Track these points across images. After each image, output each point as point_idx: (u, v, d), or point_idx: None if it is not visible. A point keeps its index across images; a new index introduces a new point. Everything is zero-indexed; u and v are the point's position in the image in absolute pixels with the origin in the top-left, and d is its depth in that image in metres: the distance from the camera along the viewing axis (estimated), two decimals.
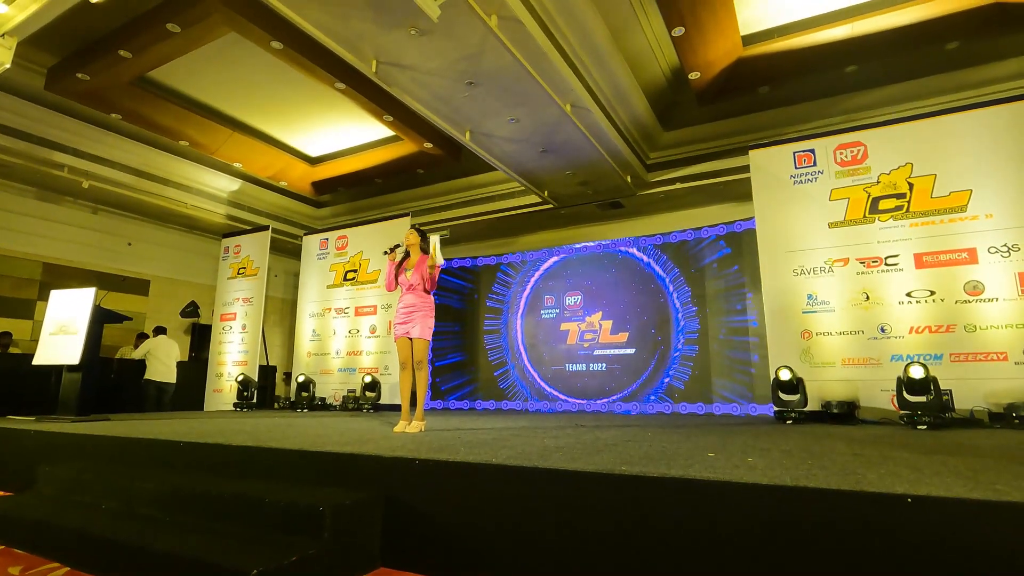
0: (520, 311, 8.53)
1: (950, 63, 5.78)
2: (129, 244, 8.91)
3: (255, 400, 7.78)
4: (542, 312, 8.30)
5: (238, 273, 8.87)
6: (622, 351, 7.57)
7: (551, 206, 8.43)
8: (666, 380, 7.27)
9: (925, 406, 4.22)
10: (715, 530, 1.61)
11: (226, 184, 9.07)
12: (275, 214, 9.87)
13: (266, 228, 8.91)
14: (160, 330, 7.75)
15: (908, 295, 4.95)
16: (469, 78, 5.34)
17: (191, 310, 9.15)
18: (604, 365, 7.63)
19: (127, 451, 3.24)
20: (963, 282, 4.78)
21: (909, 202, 5.06)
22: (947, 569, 1.35)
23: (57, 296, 5.39)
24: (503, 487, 2.01)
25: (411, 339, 4.04)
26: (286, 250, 10.51)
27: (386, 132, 7.82)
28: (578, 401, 7.71)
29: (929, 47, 5.67)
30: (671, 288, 7.54)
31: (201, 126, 7.49)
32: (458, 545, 2.01)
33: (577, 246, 8.43)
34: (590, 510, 1.82)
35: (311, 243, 9.03)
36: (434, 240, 4.03)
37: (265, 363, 8.98)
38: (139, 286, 8.96)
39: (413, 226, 4.29)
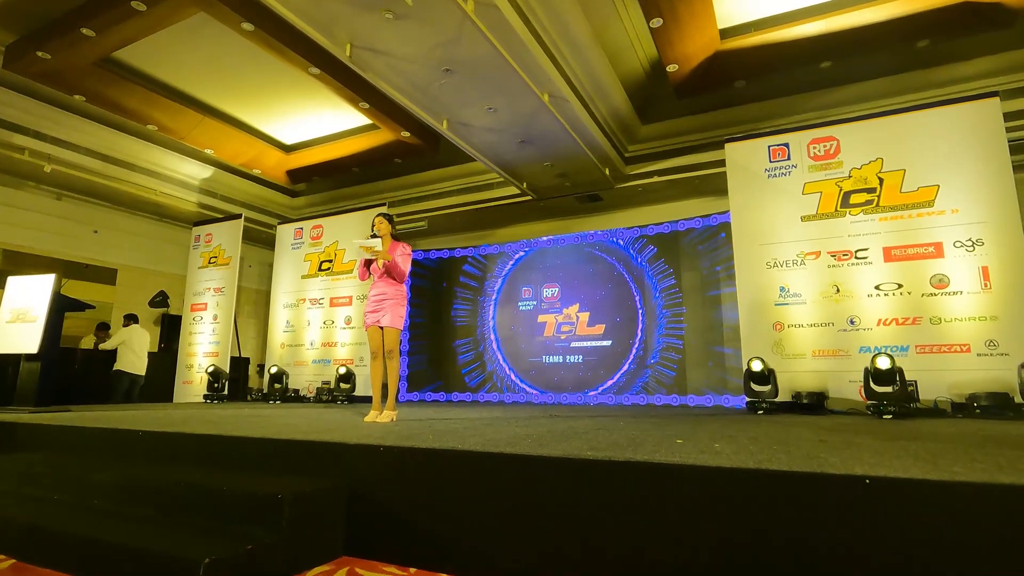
0: (497, 302, 8.49)
1: (920, 61, 5.88)
2: (95, 232, 8.63)
3: (226, 392, 7.62)
4: (519, 304, 8.28)
5: (209, 262, 8.67)
6: (599, 343, 7.59)
7: (530, 198, 8.40)
8: (642, 372, 7.31)
9: (891, 396, 4.31)
10: (679, 513, 1.61)
11: (197, 171, 8.84)
12: (249, 203, 9.65)
13: (239, 216, 8.71)
14: (132, 318, 7.54)
15: (877, 288, 5.04)
16: (446, 65, 5.26)
17: (160, 300, 8.91)
18: (581, 357, 7.64)
19: (83, 442, 3.13)
20: (929, 275, 4.88)
21: (879, 197, 5.15)
22: (904, 548, 1.36)
23: (15, 283, 5.19)
24: (469, 474, 1.98)
25: (382, 328, 3.98)
26: (260, 240, 10.30)
27: (363, 120, 7.69)
28: (554, 393, 7.72)
29: (900, 45, 5.75)
30: (648, 281, 7.57)
31: (170, 110, 7.26)
32: (424, 533, 1.97)
33: (555, 238, 8.42)
34: (557, 496, 1.79)
35: (285, 232, 8.87)
36: (371, 243, 3.89)
37: (237, 354, 8.81)
38: (105, 275, 8.69)
39: (381, 213, 4.21)
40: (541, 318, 7.99)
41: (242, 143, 8.22)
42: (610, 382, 7.44)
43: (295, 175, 9.32)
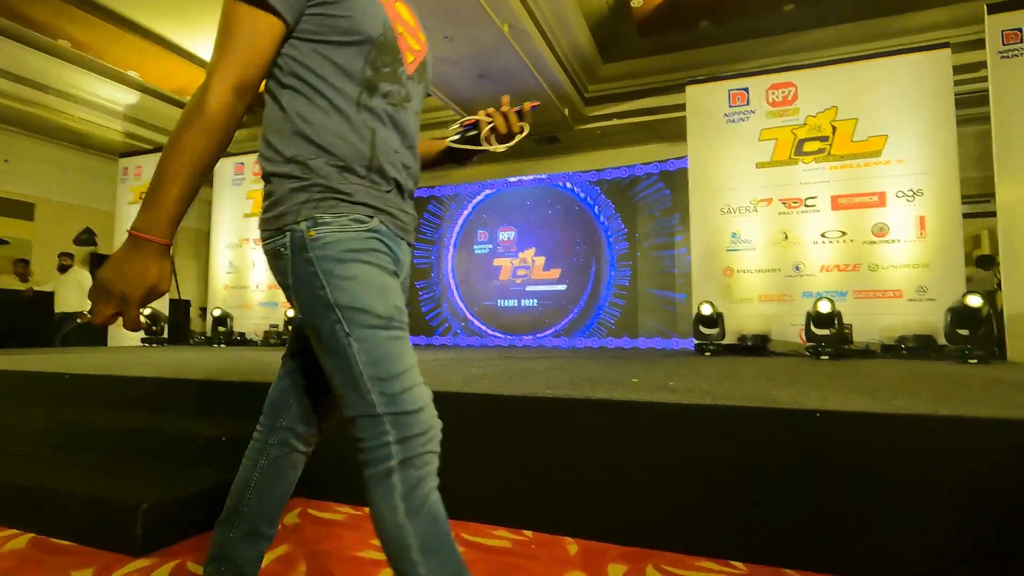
0: (452, 245, 8.33)
1: (879, 9, 5.89)
2: (6, 161, 7.81)
3: (166, 336, 7.27)
4: (475, 247, 8.16)
5: (140, 198, 8.03)
6: (554, 287, 7.63)
7: None
8: (595, 315, 7.43)
9: (828, 339, 4.53)
10: (642, 452, 1.62)
11: (121, 96, 8.03)
12: None
13: None
14: (69, 256, 7.03)
15: (822, 235, 5.21)
16: None
17: (86, 238, 8.26)
18: (536, 301, 7.67)
19: (7, 386, 2.90)
20: (872, 224, 5.07)
21: (831, 145, 5.23)
22: (855, 477, 1.42)
23: None
24: None
25: None
26: None
27: None
28: (509, 336, 7.77)
29: None
30: (604, 225, 7.58)
31: (84, 23, 6.47)
32: None
33: (512, 180, 8.24)
34: (516, 435, 1.78)
35: (225, 167, 8.29)
36: None
37: (177, 297, 8.38)
38: (21, 209, 7.95)
39: None
40: (497, 261, 7.92)
41: (171, 65, 7.49)
42: (564, 325, 7.53)
43: None
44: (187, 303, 9.22)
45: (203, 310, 9.70)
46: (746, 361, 4.14)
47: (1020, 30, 4.37)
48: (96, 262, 8.42)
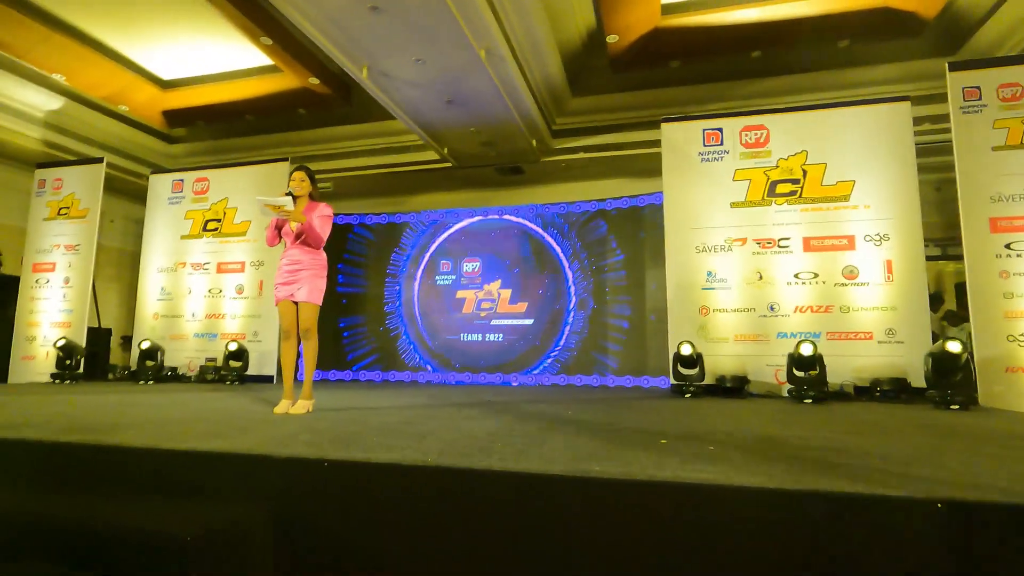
0: (413, 276, 7.90)
1: (840, 61, 6.15)
2: None
3: (81, 370, 6.40)
4: (437, 278, 7.77)
5: (59, 213, 7.17)
6: (520, 322, 7.34)
7: (448, 165, 7.86)
8: (563, 352, 7.19)
9: (810, 381, 4.49)
10: (752, 543, 1.34)
11: (41, 100, 7.19)
12: (112, 145, 8.08)
13: (99, 160, 7.27)
14: None
15: (796, 276, 5.24)
16: (373, 1, 4.57)
17: None
18: (502, 336, 7.35)
19: None
20: (842, 266, 5.15)
21: (802, 188, 5.32)
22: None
23: None
24: (446, 497, 1.58)
25: (296, 303, 3.38)
26: (125, 191, 8.75)
27: (264, 60, 6.64)
28: (471, 373, 7.38)
29: (824, 42, 5.97)
30: (570, 260, 7.42)
31: (6, 18, 5.74)
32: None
33: (477, 210, 7.98)
34: (568, 522, 1.46)
35: (161, 184, 7.56)
36: (278, 201, 3.27)
37: (96, 325, 7.46)
38: None
39: (302, 167, 3.55)
40: (460, 294, 7.57)
41: (104, 71, 6.78)
42: (531, 362, 7.24)
43: (173, 117, 7.96)
44: (107, 332, 8.24)
45: (124, 339, 8.72)
46: (740, 407, 3.99)
47: (979, 88, 4.61)
48: (0, 284, 7.37)
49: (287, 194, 3.34)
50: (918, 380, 4.56)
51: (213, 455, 1.81)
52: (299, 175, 3.47)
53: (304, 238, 3.38)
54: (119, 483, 1.88)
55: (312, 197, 3.52)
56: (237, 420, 2.79)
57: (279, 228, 3.44)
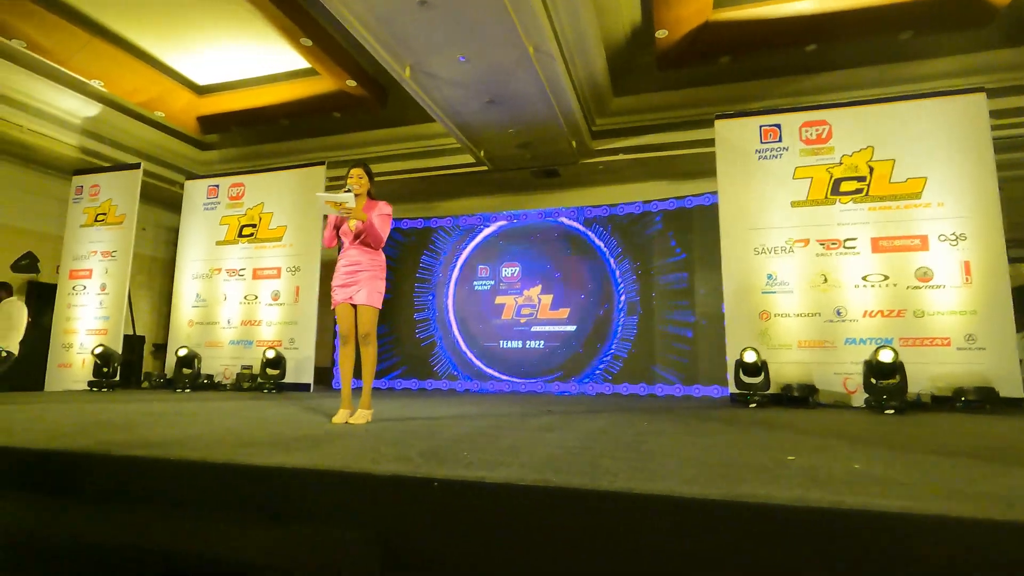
0: (449, 281, 7.73)
1: (901, 54, 5.87)
2: None
3: (117, 377, 6.30)
4: (475, 283, 7.58)
5: (96, 220, 7.13)
6: (562, 328, 7.10)
7: (483, 169, 7.69)
8: (607, 359, 6.93)
9: (890, 390, 4.19)
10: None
11: (79, 107, 7.18)
12: (146, 152, 8.05)
13: (136, 166, 7.22)
14: (5, 287, 6.08)
15: (864, 279, 4.95)
16: None
17: (27, 264, 7.23)
18: (543, 342, 7.12)
19: None
20: (914, 268, 4.85)
21: (869, 185, 5.04)
22: None
23: None
24: (575, 520, 1.36)
25: (355, 306, 3.20)
26: (158, 198, 8.71)
27: (300, 63, 6.55)
28: (513, 380, 7.13)
29: (884, 35, 5.69)
30: (614, 263, 7.18)
31: (46, 24, 5.71)
32: None
33: (515, 213, 7.79)
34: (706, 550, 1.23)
35: (196, 190, 7.51)
36: (341, 197, 3.08)
37: (131, 332, 7.39)
38: None
39: (361, 162, 3.38)
40: (499, 299, 7.36)
41: (142, 77, 6.75)
42: (574, 370, 6.99)
43: (208, 123, 7.90)
44: (141, 339, 8.18)
45: (158, 347, 8.65)
46: (824, 416, 3.71)
47: None
48: (36, 292, 7.34)
49: (346, 190, 3.16)
50: (1008, 389, 4.24)
51: (304, 471, 1.61)
52: (357, 172, 3.29)
53: (363, 238, 3.21)
54: (196, 504, 1.68)
55: (371, 195, 3.35)
56: (298, 431, 2.61)
57: (337, 227, 3.26)
